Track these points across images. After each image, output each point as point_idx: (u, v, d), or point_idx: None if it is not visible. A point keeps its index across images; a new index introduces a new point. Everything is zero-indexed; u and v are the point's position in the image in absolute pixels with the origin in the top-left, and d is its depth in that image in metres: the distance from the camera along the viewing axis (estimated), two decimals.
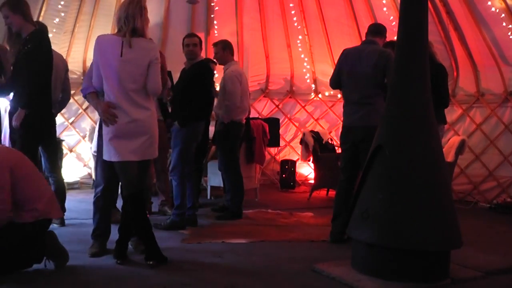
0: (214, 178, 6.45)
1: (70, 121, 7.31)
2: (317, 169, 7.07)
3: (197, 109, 4.87)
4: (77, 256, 3.67)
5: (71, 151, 7.34)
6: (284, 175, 7.79)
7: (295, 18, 7.96)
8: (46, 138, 4.63)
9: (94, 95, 3.57)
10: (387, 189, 3.39)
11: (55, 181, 4.81)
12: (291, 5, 7.84)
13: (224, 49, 5.50)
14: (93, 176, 6.81)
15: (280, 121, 7.99)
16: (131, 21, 3.43)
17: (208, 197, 6.70)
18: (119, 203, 3.83)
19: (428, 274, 3.29)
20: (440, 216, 3.32)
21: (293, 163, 7.87)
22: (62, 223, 4.70)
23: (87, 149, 7.11)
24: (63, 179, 4.94)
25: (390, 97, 3.63)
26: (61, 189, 4.81)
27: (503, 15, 6.14)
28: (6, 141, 5.27)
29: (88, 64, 6.98)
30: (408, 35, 3.53)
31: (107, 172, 3.73)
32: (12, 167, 3.22)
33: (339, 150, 6.12)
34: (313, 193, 6.90)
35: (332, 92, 8.13)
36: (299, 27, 8.03)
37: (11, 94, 4.47)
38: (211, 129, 5.92)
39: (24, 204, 3.28)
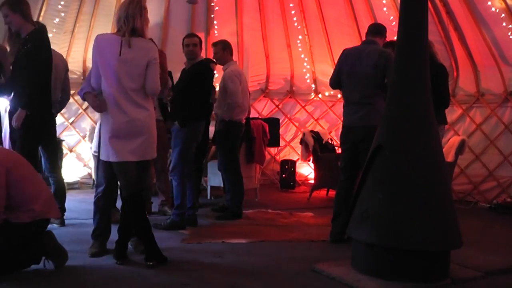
0: (214, 178, 6.45)
1: (70, 121, 7.32)
2: (317, 169, 7.07)
3: (197, 109, 4.87)
4: (77, 256, 3.67)
5: (71, 151, 7.34)
6: (284, 175, 7.79)
7: (295, 18, 7.96)
8: (46, 138, 4.63)
9: (88, 94, 3.58)
10: (387, 189, 3.39)
11: (55, 181, 4.81)
12: (291, 5, 7.84)
13: (224, 49, 5.50)
14: (93, 176, 6.82)
15: (280, 121, 7.99)
16: (131, 21, 3.43)
17: (208, 197, 6.70)
18: (119, 203, 3.83)
19: (428, 274, 3.29)
20: (440, 216, 3.32)
21: (293, 163, 7.87)
22: (62, 223, 4.70)
23: (87, 149, 7.11)
24: (63, 179, 4.94)
25: (390, 97, 3.63)
26: (61, 189, 4.82)
27: (503, 15, 6.14)
28: (6, 141, 5.27)
29: (88, 64, 6.99)
30: (408, 35, 3.53)
31: (108, 172, 3.72)
32: (8, 169, 3.22)
33: (339, 150, 6.12)
34: (313, 193, 6.90)
35: (332, 92, 8.13)
36: (299, 27, 8.03)
37: (11, 94, 4.47)
38: (211, 129, 5.92)
39: (21, 205, 3.28)
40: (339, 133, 4.77)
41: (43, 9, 6.72)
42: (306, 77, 8.41)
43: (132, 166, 3.54)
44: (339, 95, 7.68)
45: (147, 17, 3.56)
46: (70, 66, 6.02)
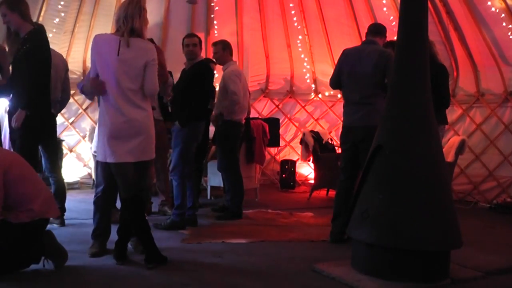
0: (214, 178, 6.45)
1: (70, 121, 7.32)
2: (317, 169, 7.07)
3: (197, 109, 4.87)
4: (77, 256, 3.67)
5: (71, 151, 7.34)
6: (284, 175, 7.79)
7: (295, 18, 7.96)
8: (46, 138, 4.63)
9: (90, 80, 3.59)
10: (387, 189, 3.39)
11: (55, 181, 4.81)
12: (291, 5, 7.84)
13: (224, 49, 5.50)
14: (93, 176, 6.82)
15: (280, 121, 7.99)
16: (130, 21, 3.42)
17: (208, 197, 6.70)
18: (119, 203, 3.83)
19: (428, 274, 3.29)
20: (440, 216, 3.32)
21: (293, 163, 7.87)
22: (62, 223, 4.70)
23: (87, 149, 7.11)
24: (63, 179, 4.94)
25: (390, 97, 3.63)
26: (61, 189, 4.82)
27: (503, 15, 6.14)
28: (6, 142, 5.27)
29: (88, 64, 6.97)
30: (408, 35, 3.53)
31: (107, 172, 3.71)
32: (6, 169, 3.21)
33: (339, 150, 6.12)
34: (313, 193, 6.90)
35: (332, 92, 8.13)
36: (299, 27, 8.03)
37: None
38: (211, 129, 5.91)
39: (20, 205, 3.28)
40: (339, 133, 4.76)
41: (43, 9, 6.72)
42: (306, 77, 8.41)
43: (130, 167, 3.52)
44: (339, 95, 7.68)
45: (146, 17, 3.55)
46: (70, 66, 6.02)
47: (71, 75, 5.71)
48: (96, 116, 6.90)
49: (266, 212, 5.81)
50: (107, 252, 3.81)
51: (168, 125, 5.20)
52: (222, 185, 6.14)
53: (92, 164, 6.85)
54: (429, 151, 3.45)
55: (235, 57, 6.31)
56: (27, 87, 4.14)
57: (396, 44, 3.73)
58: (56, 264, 3.42)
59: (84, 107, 7.35)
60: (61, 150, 6.81)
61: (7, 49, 4.46)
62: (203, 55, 5.89)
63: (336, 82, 4.61)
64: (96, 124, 5.63)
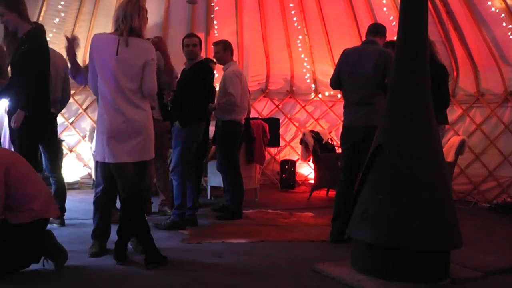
0: (214, 178, 6.45)
1: (70, 121, 7.32)
2: (317, 169, 7.07)
3: (198, 109, 4.87)
4: (77, 256, 3.67)
5: (71, 151, 7.34)
6: (284, 175, 7.79)
7: (295, 18, 7.96)
8: (47, 138, 4.63)
9: None
10: (387, 189, 3.39)
11: (55, 181, 4.81)
12: (291, 5, 7.84)
13: (225, 49, 5.50)
14: (93, 176, 6.81)
15: (280, 121, 7.99)
16: (129, 20, 3.41)
17: (208, 197, 6.70)
18: (119, 203, 3.82)
19: (428, 274, 3.29)
20: (440, 216, 3.32)
21: (293, 163, 7.87)
22: (62, 223, 4.70)
23: (87, 149, 7.11)
24: (63, 179, 4.94)
25: (390, 97, 3.63)
26: (61, 189, 4.82)
27: (503, 15, 6.14)
28: (6, 142, 5.27)
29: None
30: (408, 35, 3.53)
31: (107, 172, 3.71)
32: (7, 168, 3.21)
33: (339, 150, 6.13)
34: (313, 193, 6.90)
35: (332, 92, 8.13)
36: (299, 27, 8.03)
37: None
38: (211, 129, 5.92)
39: (20, 205, 3.27)
40: (339, 133, 4.77)
41: (43, 9, 6.72)
42: (306, 77, 8.41)
43: (129, 167, 3.51)
44: (339, 95, 7.69)
45: (145, 17, 3.54)
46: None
47: None
48: (96, 116, 6.90)
49: (266, 212, 5.81)
50: (107, 252, 3.81)
51: (166, 126, 5.20)
52: (222, 185, 6.14)
53: (92, 164, 6.85)
54: (429, 151, 3.45)
55: (235, 57, 6.31)
56: (26, 88, 4.12)
57: (396, 44, 3.73)
58: (56, 264, 3.42)
59: (84, 107, 7.35)
60: (61, 150, 6.81)
61: (5, 49, 4.44)
62: (203, 55, 5.88)
63: (336, 82, 4.61)
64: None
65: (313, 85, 8.44)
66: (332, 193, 6.56)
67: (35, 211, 3.30)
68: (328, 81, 4.80)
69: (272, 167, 8.25)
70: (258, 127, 6.47)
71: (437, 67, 4.64)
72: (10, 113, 4.31)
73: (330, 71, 4.94)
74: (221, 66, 5.60)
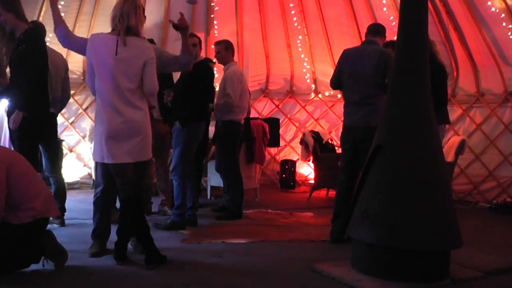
0: (214, 178, 6.44)
1: (70, 121, 7.31)
2: (317, 169, 7.06)
3: (198, 109, 4.87)
4: (77, 256, 3.67)
5: (71, 151, 7.34)
6: (284, 175, 7.79)
7: (295, 18, 7.96)
8: (46, 138, 4.62)
9: None
10: (387, 189, 3.39)
11: (55, 181, 4.81)
12: (291, 5, 7.84)
13: (227, 49, 5.49)
14: (93, 176, 6.81)
15: (280, 121, 7.99)
16: (126, 19, 3.38)
17: (208, 197, 6.70)
18: (119, 203, 3.82)
19: (428, 274, 3.29)
20: (440, 216, 3.32)
21: (293, 163, 7.86)
22: (62, 223, 4.69)
23: (87, 149, 7.11)
24: (63, 179, 4.94)
25: (390, 97, 3.63)
26: (61, 189, 4.82)
27: (503, 15, 6.14)
28: (6, 142, 5.27)
29: None
30: (408, 35, 3.53)
31: (106, 172, 3.70)
32: (8, 167, 3.21)
33: (339, 150, 6.12)
34: (313, 193, 6.90)
35: (332, 92, 8.13)
36: (299, 27, 8.03)
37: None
38: (211, 129, 5.91)
39: (20, 204, 3.27)
40: (339, 133, 4.77)
41: (43, 9, 6.71)
42: (306, 77, 8.41)
43: (129, 167, 3.50)
44: (339, 95, 7.69)
45: (142, 15, 3.52)
46: (70, 66, 6.00)
47: (71, 75, 5.71)
48: None
49: (266, 212, 5.81)
50: (107, 252, 3.81)
51: (165, 128, 5.20)
52: (222, 185, 6.13)
53: (92, 164, 6.84)
54: (429, 151, 3.45)
55: (235, 57, 6.30)
56: (23, 88, 4.10)
57: (396, 44, 3.73)
58: (56, 264, 3.42)
59: (84, 107, 7.35)
60: (61, 150, 6.81)
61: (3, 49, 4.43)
62: (203, 55, 5.88)
63: (336, 83, 4.61)
64: None
65: (313, 85, 8.44)
66: (332, 193, 6.56)
67: (35, 211, 3.30)
68: (328, 81, 4.80)
69: (272, 167, 8.24)
70: (258, 127, 6.47)
71: (436, 67, 4.64)
72: (9, 114, 4.30)
73: (330, 71, 4.94)
74: (222, 66, 5.60)
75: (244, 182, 5.63)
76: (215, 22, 7.78)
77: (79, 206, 5.66)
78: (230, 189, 5.51)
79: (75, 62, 7.18)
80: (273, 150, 8.16)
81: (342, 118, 4.64)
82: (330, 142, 7.59)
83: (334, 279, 3.39)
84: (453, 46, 6.81)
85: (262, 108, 8.34)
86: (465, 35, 6.64)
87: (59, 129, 6.40)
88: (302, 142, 7.28)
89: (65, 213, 4.84)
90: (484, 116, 6.88)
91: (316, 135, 7.34)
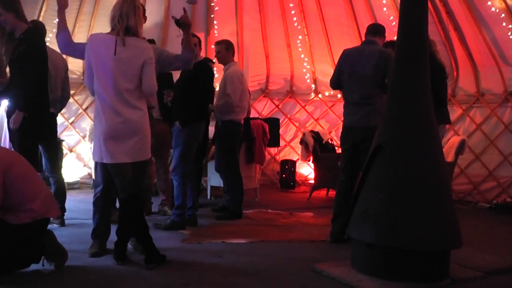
0: (214, 178, 6.44)
1: (70, 121, 7.32)
2: (317, 169, 7.07)
3: (198, 109, 4.87)
4: (77, 256, 3.67)
5: (71, 151, 7.34)
6: (284, 175, 7.79)
7: (295, 18, 7.96)
8: (46, 138, 4.62)
9: None
10: (387, 189, 3.39)
11: (55, 181, 4.81)
12: (291, 5, 7.84)
13: (227, 49, 5.49)
14: (93, 176, 6.80)
15: (280, 121, 7.99)
16: (125, 20, 3.38)
17: (208, 197, 6.70)
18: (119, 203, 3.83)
19: (428, 274, 3.29)
20: (440, 216, 3.32)
21: (293, 163, 7.87)
22: (62, 223, 4.69)
23: (87, 149, 7.11)
24: (63, 179, 4.94)
25: (390, 97, 3.63)
26: (61, 189, 4.81)
27: (503, 15, 6.15)
28: (6, 142, 5.26)
29: None
30: (408, 35, 3.53)
31: (106, 172, 3.70)
32: (7, 167, 3.20)
33: (339, 150, 6.12)
34: (313, 193, 6.90)
35: (332, 92, 8.13)
36: (299, 27, 8.03)
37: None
38: (211, 129, 5.91)
39: (20, 205, 3.26)
40: (339, 133, 4.77)
41: (43, 9, 6.72)
42: (306, 77, 8.41)
43: (128, 167, 3.50)
44: (339, 95, 7.68)
45: (142, 16, 3.52)
46: (70, 66, 6.02)
47: (71, 75, 5.72)
48: None
49: (266, 212, 5.81)
50: (107, 252, 3.81)
51: (165, 128, 5.20)
52: (222, 185, 6.13)
53: (92, 164, 6.84)
54: (429, 151, 3.45)
55: (235, 57, 6.30)
56: (23, 89, 4.10)
57: (396, 44, 3.73)
58: (56, 264, 3.41)
59: (84, 107, 7.35)
60: (61, 150, 6.81)
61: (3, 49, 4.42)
62: (203, 55, 5.88)
63: (336, 83, 4.61)
64: None
65: (313, 85, 8.44)
66: (332, 193, 6.56)
67: (35, 211, 3.29)
68: (328, 81, 4.80)
69: (272, 167, 8.25)
70: (258, 127, 6.47)
71: (436, 67, 4.64)
72: (9, 114, 4.30)
73: (330, 71, 4.94)
74: (222, 66, 5.60)
75: (244, 182, 5.63)
76: (215, 22, 7.78)
77: (79, 206, 5.66)
78: (230, 189, 5.51)
79: (75, 62, 7.17)
80: (273, 150, 8.17)
81: (342, 118, 4.64)
82: (330, 142, 7.60)
83: (334, 279, 3.39)
84: (453, 46, 6.81)
85: (262, 108, 8.34)
86: (465, 35, 6.64)
87: (59, 129, 6.41)
88: (302, 142, 7.28)
89: (65, 213, 4.83)
90: (484, 116, 6.88)
91: (316, 135, 7.34)
